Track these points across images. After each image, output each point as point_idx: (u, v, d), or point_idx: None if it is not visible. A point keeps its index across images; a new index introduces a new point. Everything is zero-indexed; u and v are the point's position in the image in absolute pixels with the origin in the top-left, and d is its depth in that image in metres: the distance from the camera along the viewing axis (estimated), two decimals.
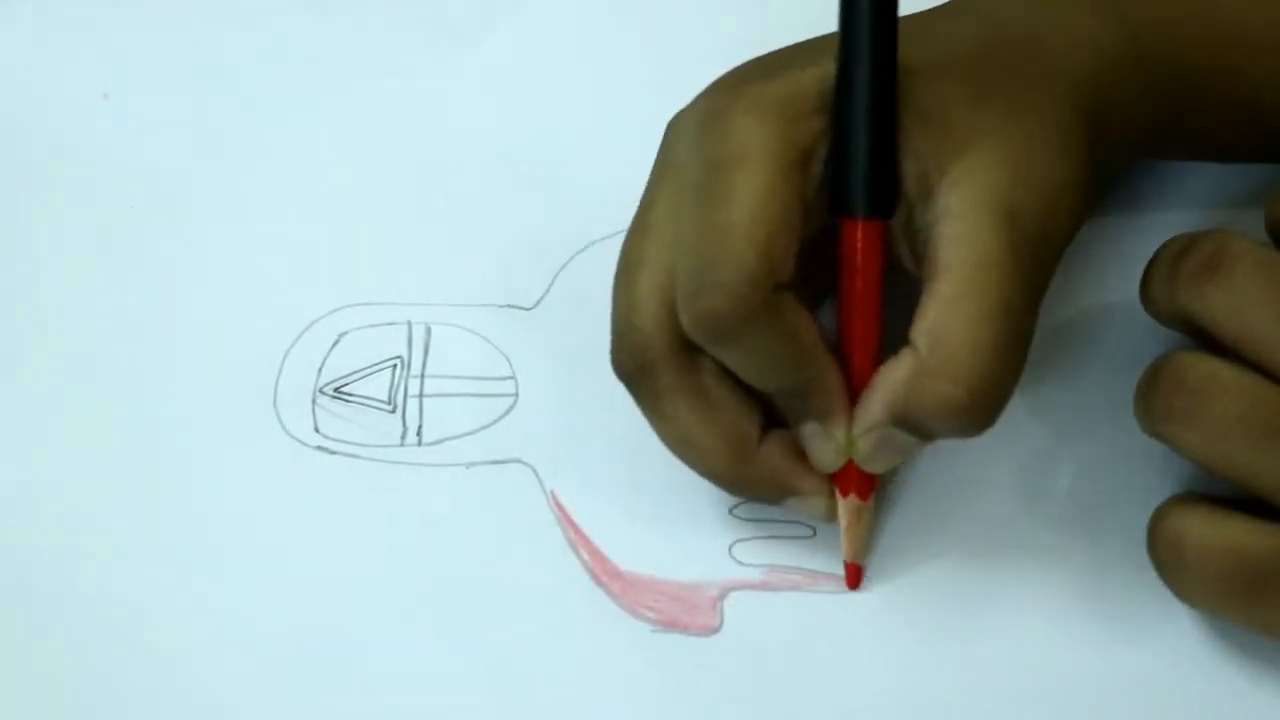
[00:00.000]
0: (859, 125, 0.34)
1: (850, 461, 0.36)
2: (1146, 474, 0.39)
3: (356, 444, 0.40)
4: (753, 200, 0.33)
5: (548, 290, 0.42)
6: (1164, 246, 0.36)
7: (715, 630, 0.38)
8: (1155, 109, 0.38)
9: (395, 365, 0.41)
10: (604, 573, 0.38)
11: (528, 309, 0.42)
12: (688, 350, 0.35)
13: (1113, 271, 0.41)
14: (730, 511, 0.39)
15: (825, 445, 0.36)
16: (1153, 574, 0.35)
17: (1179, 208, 0.42)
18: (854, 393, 0.35)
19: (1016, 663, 0.37)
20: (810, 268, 0.35)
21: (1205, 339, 0.34)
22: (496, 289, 0.42)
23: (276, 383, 0.41)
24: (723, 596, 0.38)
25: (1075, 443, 0.39)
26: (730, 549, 0.39)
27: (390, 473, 0.40)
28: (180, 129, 0.46)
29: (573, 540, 0.39)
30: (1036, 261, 0.34)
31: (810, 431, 0.36)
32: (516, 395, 0.41)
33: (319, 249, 0.43)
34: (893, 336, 0.35)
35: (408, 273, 0.43)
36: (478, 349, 0.42)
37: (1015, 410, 0.39)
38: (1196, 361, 0.34)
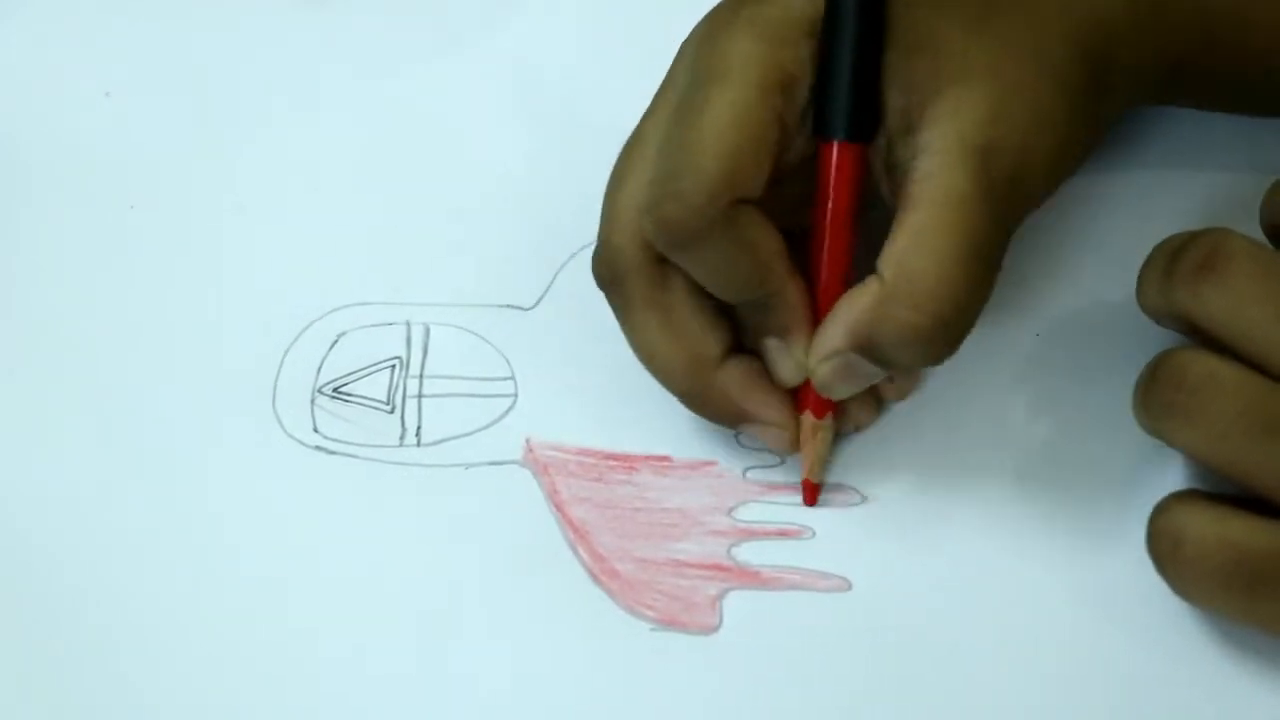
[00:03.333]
0: (844, 50, 0.35)
1: (808, 380, 0.37)
2: (1145, 471, 0.38)
3: (355, 444, 0.40)
4: (725, 115, 0.34)
5: (547, 290, 0.42)
6: (1159, 246, 0.36)
7: (714, 629, 0.38)
8: (1168, 55, 0.38)
9: (394, 365, 0.41)
10: (603, 572, 0.38)
11: (527, 309, 0.42)
12: (660, 264, 0.36)
13: (1113, 269, 0.41)
14: (730, 512, 0.39)
15: (785, 360, 0.37)
16: (1152, 572, 0.35)
17: (1178, 206, 0.42)
18: (819, 314, 0.36)
19: (1015, 661, 0.37)
20: (801, 194, 0.36)
21: (1202, 338, 0.34)
22: (495, 289, 0.42)
23: (275, 383, 0.41)
24: (722, 595, 0.38)
25: (1075, 440, 0.39)
26: (730, 549, 0.39)
27: (389, 473, 0.40)
28: (180, 129, 0.46)
29: (571, 540, 0.39)
30: (1008, 199, 0.35)
31: (771, 346, 0.37)
32: (515, 396, 0.41)
33: (318, 248, 0.43)
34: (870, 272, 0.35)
35: (407, 273, 0.43)
36: (477, 349, 0.42)
37: (1015, 409, 0.40)
38: (1194, 359, 0.34)
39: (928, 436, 0.39)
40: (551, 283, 0.42)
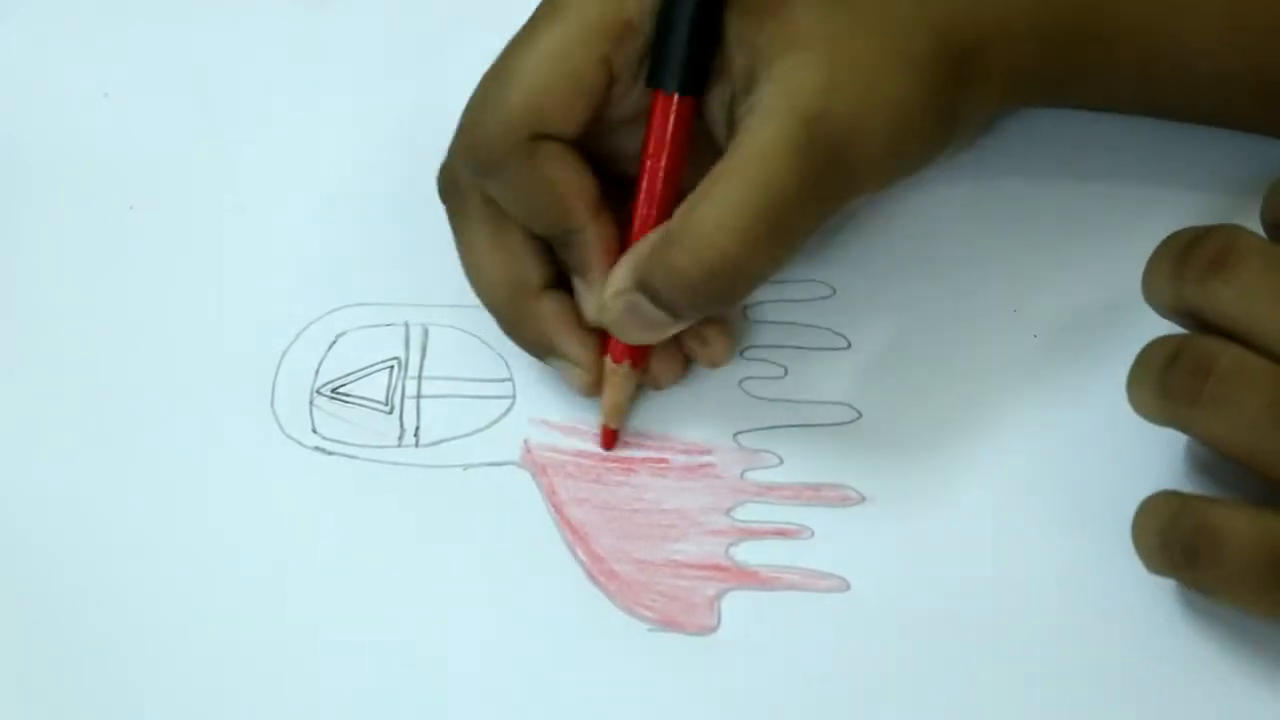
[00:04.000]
0: (684, 4, 0.35)
1: None
2: (1146, 472, 0.38)
3: (354, 445, 0.40)
4: (543, 51, 0.35)
5: None
6: (1168, 241, 0.35)
7: (712, 630, 0.38)
8: (1052, 54, 0.38)
9: (393, 366, 0.41)
10: (601, 573, 0.38)
11: None
12: None
13: (1111, 269, 0.41)
14: (728, 512, 0.39)
15: (587, 299, 0.38)
16: (1151, 574, 0.35)
17: (1176, 207, 0.42)
18: None
19: (1014, 661, 0.37)
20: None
21: (1211, 333, 0.34)
22: None
23: (274, 383, 0.41)
24: (720, 596, 0.38)
25: (1073, 441, 0.39)
26: (728, 549, 0.39)
27: (387, 474, 0.40)
28: (180, 129, 0.46)
29: (570, 540, 0.39)
30: (830, 168, 0.35)
31: (578, 284, 0.38)
32: (514, 397, 0.41)
33: (317, 249, 0.43)
34: None
35: (405, 273, 0.43)
36: (475, 350, 0.42)
37: (1013, 409, 0.40)
38: (1223, 348, 0.33)
39: (926, 436, 0.39)
40: None
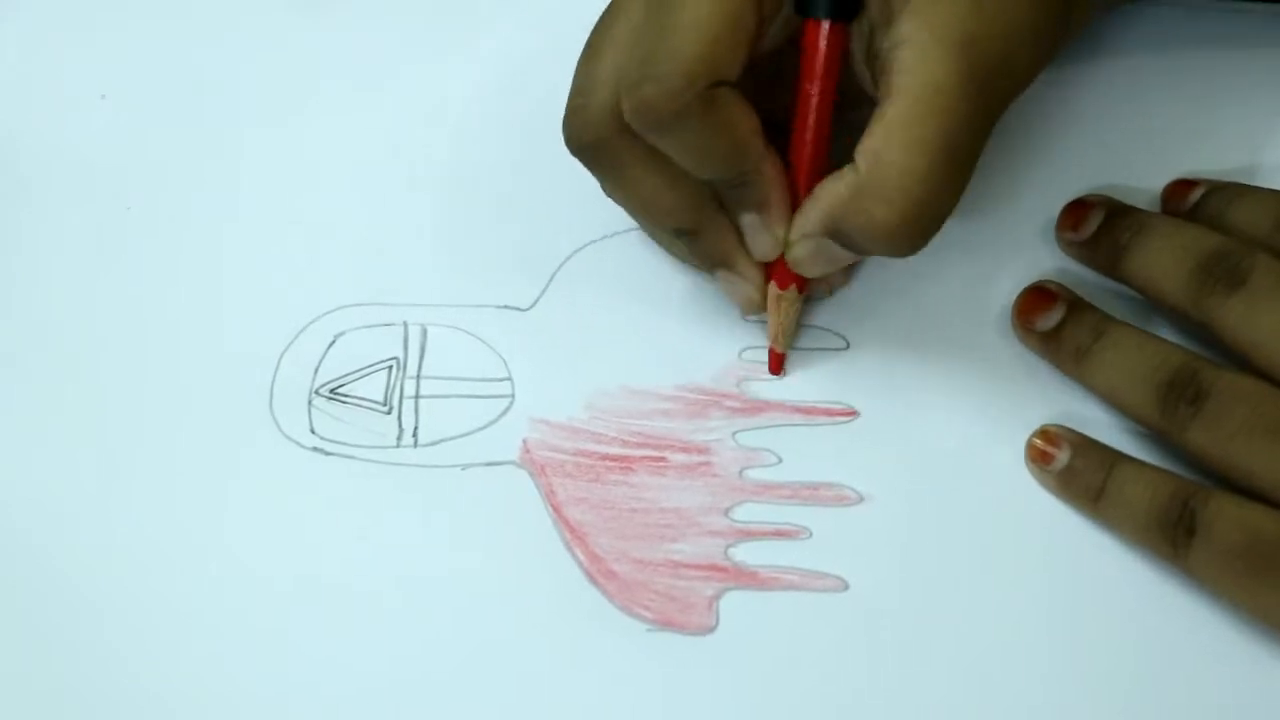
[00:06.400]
0: None
1: (782, 256, 0.38)
2: None
3: (352, 445, 0.40)
4: (704, 1, 0.34)
5: (544, 292, 0.42)
6: (1186, 249, 0.37)
7: (711, 630, 0.38)
8: None
9: (391, 366, 0.41)
10: (600, 572, 0.38)
11: (524, 310, 0.42)
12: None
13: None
14: (726, 512, 0.39)
15: (762, 235, 0.38)
16: (1151, 571, 0.36)
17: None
18: (796, 191, 0.37)
19: (1012, 661, 0.37)
20: (775, 77, 0.37)
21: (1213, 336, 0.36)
22: (493, 290, 0.42)
23: (272, 384, 0.41)
24: (718, 596, 0.38)
25: None
26: (726, 549, 0.39)
27: (386, 474, 0.40)
28: (177, 130, 0.46)
29: (568, 540, 0.39)
30: (988, 91, 0.35)
31: (749, 222, 0.38)
32: (512, 397, 0.41)
33: (315, 250, 0.43)
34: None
35: (404, 274, 0.43)
36: (474, 350, 0.42)
37: (1012, 406, 0.40)
38: (1206, 366, 0.36)
39: (924, 436, 0.39)
40: (549, 284, 0.42)
